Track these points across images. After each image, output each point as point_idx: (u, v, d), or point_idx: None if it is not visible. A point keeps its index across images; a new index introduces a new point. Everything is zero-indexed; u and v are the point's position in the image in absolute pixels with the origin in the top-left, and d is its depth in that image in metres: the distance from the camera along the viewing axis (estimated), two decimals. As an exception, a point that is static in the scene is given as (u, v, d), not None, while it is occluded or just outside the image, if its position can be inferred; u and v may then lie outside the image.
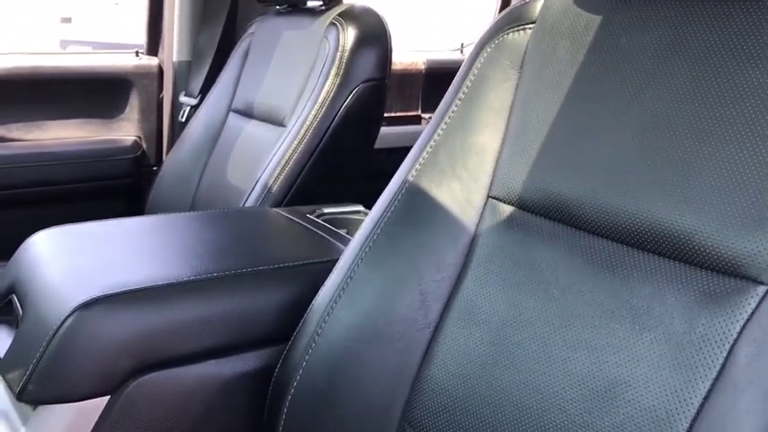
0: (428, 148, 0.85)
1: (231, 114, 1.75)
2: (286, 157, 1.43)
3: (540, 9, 0.82)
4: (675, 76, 0.66)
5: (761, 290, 0.56)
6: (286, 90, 1.54)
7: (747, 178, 0.58)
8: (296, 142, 1.43)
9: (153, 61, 2.02)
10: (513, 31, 0.83)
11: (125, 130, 1.99)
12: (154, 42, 2.04)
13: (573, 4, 0.78)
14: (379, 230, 0.83)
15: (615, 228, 0.66)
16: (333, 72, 1.42)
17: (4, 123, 1.81)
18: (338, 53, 1.43)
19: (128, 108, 1.98)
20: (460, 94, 0.85)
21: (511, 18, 0.84)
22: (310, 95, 1.44)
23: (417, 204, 0.83)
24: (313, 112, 1.43)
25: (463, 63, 0.88)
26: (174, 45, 1.96)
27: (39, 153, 1.83)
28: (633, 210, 0.65)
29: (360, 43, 1.44)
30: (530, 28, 0.82)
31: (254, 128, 1.63)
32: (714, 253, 0.59)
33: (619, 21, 0.73)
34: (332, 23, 1.48)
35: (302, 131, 1.44)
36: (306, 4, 1.63)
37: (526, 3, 0.84)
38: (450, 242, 0.79)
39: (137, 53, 2.02)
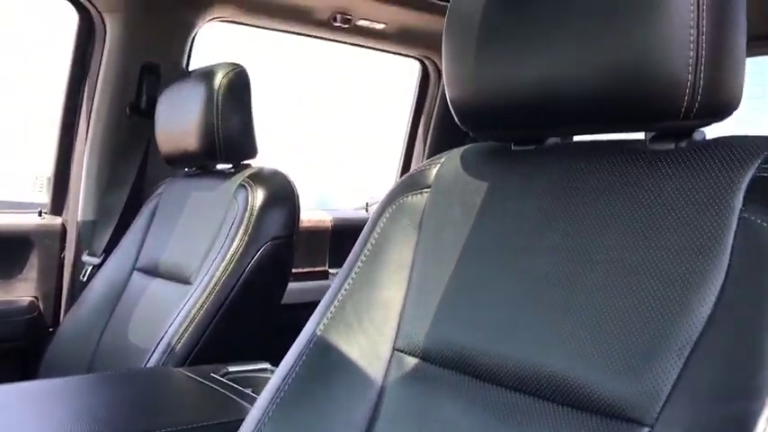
0: (335, 303, 0.87)
1: (135, 273, 1.74)
2: (191, 315, 1.42)
3: (435, 175, 0.89)
4: (556, 237, 0.73)
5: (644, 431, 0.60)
6: (193, 248, 1.55)
7: (620, 326, 0.64)
8: (202, 300, 1.43)
9: (56, 221, 2.00)
10: (411, 195, 0.90)
11: (21, 291, 1.92)
12: (59, 201, 2.03)
13: (463, 171, 0.86)
14: (286, 387, 0.84)
15: (513, 377, 0.70)
16: (241, 230, 1.46)
17: None
18: (247, 213, 1.47)
19: (26, 268, 1.92)
20: (365, 252, 0.90)
21: (409, 183, 0.92)
22: (218, 253, 1.46)
23: (325, 359, 0.84)
24: (221, 270, 1.44)
25: (368, 222, 0.94)
26: (80, 204, 1.95)
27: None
28: (527, 359, 0.69)
29: (268, 203, 1.49)
30: (426, 192, 0.89)
31: (158, 286, 1.62)
32: (601, 398, 0.63)
33: (504, 187, 0.81)
34: (241, 185, 1.53)
35: (209, 289, 1.44)
36: (215, 167, 1.69)
37: (422, 170, 0.92)
38: (359, 396, 0.80)
39: (40, 213, 2.00)
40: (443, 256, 0.82)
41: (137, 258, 1.77)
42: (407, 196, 0.91)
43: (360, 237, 0.93)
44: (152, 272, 1.67)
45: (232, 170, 1.63)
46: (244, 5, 1.99)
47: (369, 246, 0.90)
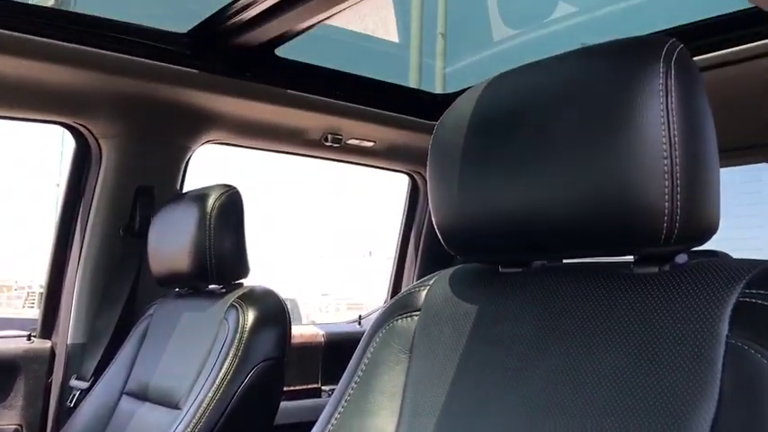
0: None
1: (124, 397, 1.70)
2: (180, 442, 1.38)
3: (425, 298, 0.90)
4: (547, 361, 0.72)
5: None
6: (183, 372, 1.52)
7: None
8: (191, 426, 1.39)
9: (45, 344, 1.97)
10: (401, 318, 0.90)
11: (5, 419, 1.86)
12: (49, 324, 2.00)
13: (452, 294, 0.87)
14: None
15: None
16: (231, 353, 1.44)
17: None
18: (237, 334, 1.46)
19: (12, 394, 1.88)
20: (356, 378, 0.89)
21: (399, 306, 0.92)
22: (207, 377, 1.44)
23: None
24: (210, 394, 1.41)
25: (359, 345, 0.93)
26: (70, 327, 1.93)
27: None
28: (524, 492, 0.67)
29: (259, 324, 1.48)
30: (416, 315, 0.89)
31: (147, 411, 1.58)
32: None
33: (494, 310, 0.81)
34: (232, 305, 1.53)
35: (198, 414, 1.40)
36: (207, 287, 1.69)
37: (411, 292, 0.92)
38: None
39: (29, 336, 1.97)
40: (435, 382, 0.82)
41: (126, 382, 1.73)
42: (397, 319, 0.91)
43: (351, 360, 0.92)
44: (141, 396, 1.63)
45: (223, 290, 1.63)
46: (237, 128, 2.06)
47: (359, 371, 0.89)
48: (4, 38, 1.53)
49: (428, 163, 0.85)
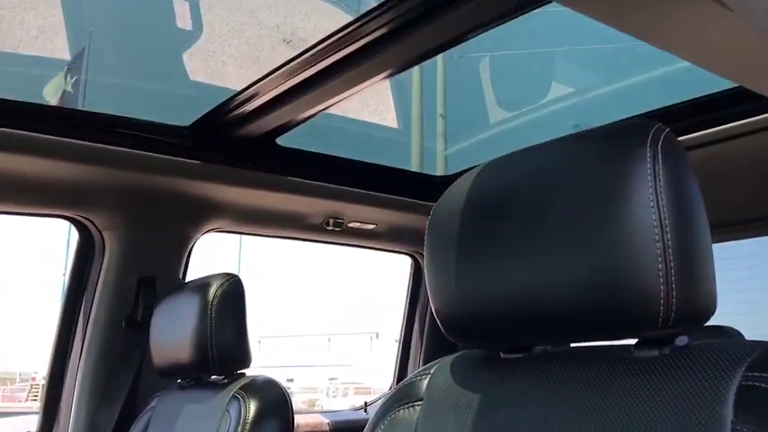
0: None
1: (124, 496, 1.65)
2: None
3: (426, 387, 0.89)
4: (551, 450, 0.71)
5: None
6: (185, 467, 1.49)
7: None
8: None
9: (45, 444, 1.93)
10: (403, 408, 0.89)
11: None
12: (50, 418, 1.96)
13: (453, 382, 0.86)
14: None
15: None
16: (234, 446, 1.41)
17: None
18: (240, 426, 1.43)
19: (9, 495, 1.82)
20: None
21: (400, 396, 0.90)
22: (210, 472, 1.40)
23: None
24: (212, 490, 1.37)
25: None
26: (71, 421, 1.90)
27: None
28: None
29: (261, 415, 1.45)
30: (418, 405, 0.88)
31: None
32: None
33: (496, 397, 0.80)
34: (234, 396, 1.50)
35: None
36: (210, 377, 1.67)
37: (413, 381, 0.91)
38: None
39: (28, 433, 1.93)
40: None
41: (126, 479, 1.69)
42: (399, 410, 0.89)
43: None
44: (141, 494, 1.59)
45: (225, 380, 1.60)
46: (240, 216, 2.08)
47: None
48: (8, 136, 1.57)
49: (425, 247, 0.85)
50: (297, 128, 1.83)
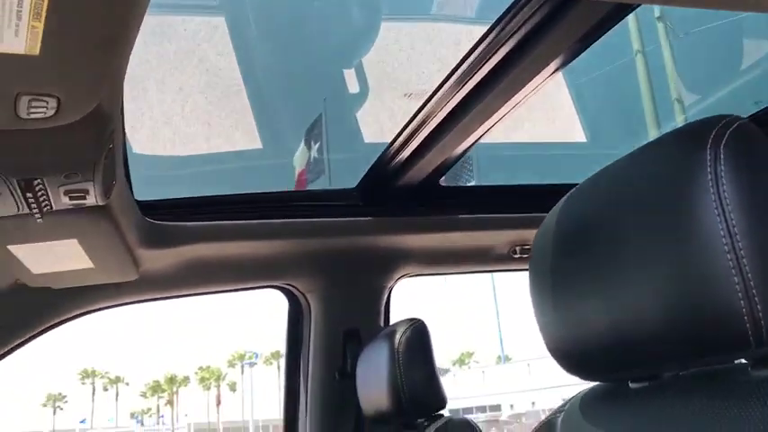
0: None
1: None
2: None
3: (560, 426, 0.86)
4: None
5: None
6: None
7: None
8: None
9: (289, 489, 2.13)
10: None
11: None
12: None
13: (584, 419, 0.82)
14: None
15: None
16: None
17: None
18: (434, 469, 1.47)
19: None
20: None
21: None
22: None
23: None
24: None
25: None
26: (307, 471, 2.07)
27: None
28: None
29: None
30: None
31: None
32: None
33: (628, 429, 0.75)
34: (428, 441, 1.55)
35: None
36: (413, 421, 1.72)
37: (549, 421, 0.89)
38: None
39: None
40: None
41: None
42: None
43: None
44: None
45: (425, 423, 1.66)
46: (425, 260, 2.15)
47: None
48: (250, 226, 1.81)
49: (530, 294, 0.84)
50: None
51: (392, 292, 2.21)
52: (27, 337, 1.77)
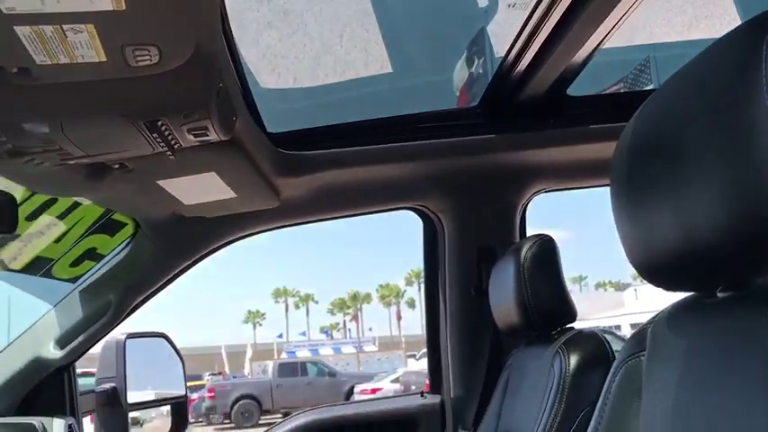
0: None
1: (493, 445, 1.83)
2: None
3: (650, 337, 0.84)
4: None
5: None
6: (526, 421, 1.59)
7: None
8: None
9: (436, 399, 2.24)
10: (631, 359, 0.87)
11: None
12: (436, 381, 2.27)
13: (672, 330, 0.80)
14: None
15: None
16: (557, 400, 1.46)
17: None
18: (561, 381, 1.48)
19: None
20: (596, 423, 0.88)
21: (628, 348, 0.89)
22: (539, 424, 1.48)
23: None
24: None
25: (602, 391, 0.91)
26: (450, 382, 2.17)
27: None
28: None
29: (581, 369, 1.47)
30: (642, 355, 0.85)
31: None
32: None
33: (717, 339, 0.73)
34: (557, 352, 1.55)
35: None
36: (545, 333, 1.73)
37: (639, 331, 0.88)
38: None
39: (422, 394, 2.27)
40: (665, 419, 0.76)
41: (496, 430, 1.86)
42: (628, 361, 0.87)
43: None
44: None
45: (556, 336, 1.66)
46: (560, 174, 2.10)
47: (600, 416, 0.88)
48: (379, 150, 1.89)
49: (613, 212, 0.83)
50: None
51: (527, 208, 2.19)
52: (188, 263, 1.98)
